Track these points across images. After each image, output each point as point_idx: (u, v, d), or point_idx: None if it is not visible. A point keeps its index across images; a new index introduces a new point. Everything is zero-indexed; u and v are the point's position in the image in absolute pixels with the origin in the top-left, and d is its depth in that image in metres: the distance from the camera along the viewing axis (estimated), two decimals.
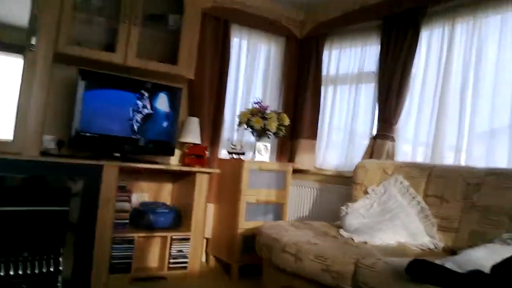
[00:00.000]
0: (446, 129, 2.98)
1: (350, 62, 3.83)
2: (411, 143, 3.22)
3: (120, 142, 3.10)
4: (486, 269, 1.66)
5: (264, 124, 3.47)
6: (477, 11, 2.92)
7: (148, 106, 3.21)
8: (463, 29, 3.00)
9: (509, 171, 2.36)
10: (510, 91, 2.69)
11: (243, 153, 3.61)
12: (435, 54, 3.15)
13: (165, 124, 3.28)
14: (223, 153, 3.76)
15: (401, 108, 3.22)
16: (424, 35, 3.21)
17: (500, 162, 2.63)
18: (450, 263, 1.93)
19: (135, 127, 3.15)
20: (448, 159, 2.93)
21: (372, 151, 3.28)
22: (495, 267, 1.60)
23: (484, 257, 1.90)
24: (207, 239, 3.64)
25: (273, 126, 3.49)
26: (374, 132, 3.38)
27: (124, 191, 3.10)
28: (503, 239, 2.11)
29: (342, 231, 2.64)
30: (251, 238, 3.10)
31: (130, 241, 2.99)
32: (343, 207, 2.86)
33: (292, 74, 4.09)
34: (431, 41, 3.19)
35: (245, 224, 3.31)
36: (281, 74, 4.11)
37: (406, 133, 3.26)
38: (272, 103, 4.00)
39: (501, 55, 2.77)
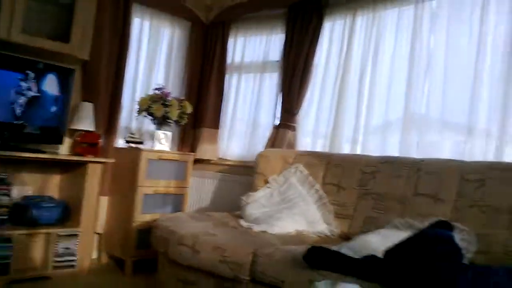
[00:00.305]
0: (345, 121, 3.04)
1: (255, 51, 3.78)
2: (312, 135, 3.25)
3: None
4: (379, 253, 1.68)
5: (165, 112, 3.29)
6: (376, 4, 3.00)
7: (34, 88, 2.88)
8: (363, 21, 3.08)
9: (402, 159, 2.46)
10: (404, 84, 2.79)
11: (141, 142, 3.41)
12: (337, 45, 3.20)
13: (53, 109, 2.97)
14: (120, 142, 3.51)
15: (303, 98, 3.23)
16: (327, 26, 3.25)
17: (392, 153, 2.71)
18: (345, 249, 1.95)
19: (18, 111, 2.81)
20: (345, 151, 3.00)
21: (274, 141, 3.26)
22: (388, 252, 1.62)
23: (377, 242, 1.94)
24: (99, 234, 3.38)
25: (174, 114, 3.33)
26: (277, 121, 3.36)
27: (3, 183, 2.75)
28: (395, 224, 2.18)
29: (242, 221, 2.58)
30: (147, 232, 2.91)
31: (8, 240, 2.66)
32: (244, 197, 2.80)
33: (196, 61, 3.94)
34: (333, 32, 3.24)
35: (141, 217, 3.12)
36: (185, 60, 3.94)
37: (307, 124, 3.29)
38: (175, 90, 3.82)
39: (397, 49, 2.88)
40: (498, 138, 2.41)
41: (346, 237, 2.32)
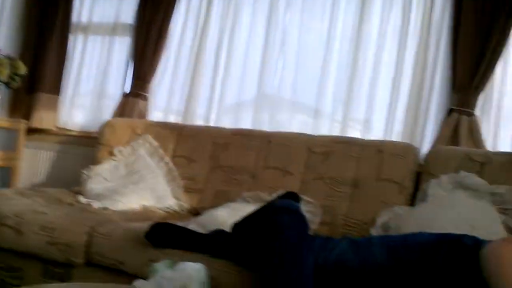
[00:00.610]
0: (199, 97, 2.91)
1: (105, 10, 3.39)
2: (164, 110, 3.05)
3: None
4: (228, 227, 1.61)
5: None
6: None
7: None
8: None
9: (254, 132, 2.43)
10: (258, 64, 2.75)
11: None
12: (194, 15, 3.01)
13: None
14: None
15: (156, 66, 3.01)
16: None
17: None
18: (193, 225, 1.85)
19: None
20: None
21: (123, 110, 2.99)
22: (235, 225, 1.56)
23: (226, 216, 1.88)
24: None
25: (4, 74, 2.84)
26: (127, 89, 3.09)
27: None
28: (245, 197, 2.14)
29: (81, 198, 2.30)
30: None
31: None
32: (85, 171, 2.51)
33: (35, 13, 3.41)
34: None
35: None
36: (21, 10, 3.38)
37: (159, 98, 3.07)
38: (6, 46, 3.26)
39: (253, 25, 2.81)
40: (341, 122, 2.53)
41: (196, 212, 2.22)
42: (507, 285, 1.10)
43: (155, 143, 2.55)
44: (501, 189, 1.79)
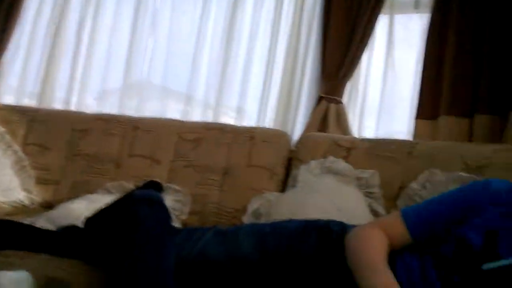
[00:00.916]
0: (57, 79, 2.61)
1: None
2: (16, 92, 2.68)
3: None
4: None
5: None
6: None
7: None
8: None
9: (118, 117, 2.22)
10: (125, 47, 2.57)
11: None
12: None
13: None
14: None
15: (6, 40, 2.63)
16: None
17: None
18: (43, 220, 1.62)
19: None
20: None
21: None
22: (89, 219, 1.37)
23: (83, 209, 1.67)
24: None
25: None
26: None
27: None
28: (107, 188, 1.94)
29: None
30: None
31: None
32: None
33: None
34: None
35: None
36: None
37: (11, 76, 2.69)
38: None
39: (119, 7, 2.62)
40: (214, 109, 2.46)
41: (49, 206, 1.95)
42: (354, 272, 1.04)
43: (2, 129, 2.19)
44: (366, 173, 1.85)
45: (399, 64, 2.30)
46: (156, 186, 1.45)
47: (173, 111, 2.51)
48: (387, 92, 2.30)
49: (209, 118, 2.44)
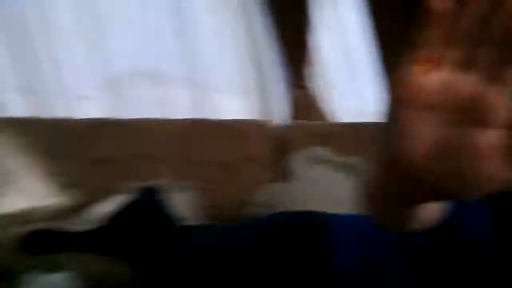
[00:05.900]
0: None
1: None
2: None
3: None
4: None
5: None
6: None
7: None
8: None
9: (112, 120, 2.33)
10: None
11: None
12: None
13: None
14: None
15: None
16: None
17: None
18: (75, 223, 1.82)
19: None
20: None
21: None
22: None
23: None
24: None
25: None
26: None
27: None
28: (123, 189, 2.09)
29: None
30: None
31: None
32: None
33: None
34: None
35: None
36: None
37: None
38: None
39: None
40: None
41: (74, 210, 2.12)
42: None
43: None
44: (356, 160, 1.87)
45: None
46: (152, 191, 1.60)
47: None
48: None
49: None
